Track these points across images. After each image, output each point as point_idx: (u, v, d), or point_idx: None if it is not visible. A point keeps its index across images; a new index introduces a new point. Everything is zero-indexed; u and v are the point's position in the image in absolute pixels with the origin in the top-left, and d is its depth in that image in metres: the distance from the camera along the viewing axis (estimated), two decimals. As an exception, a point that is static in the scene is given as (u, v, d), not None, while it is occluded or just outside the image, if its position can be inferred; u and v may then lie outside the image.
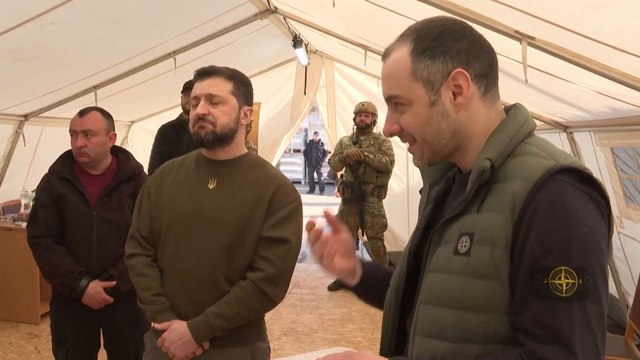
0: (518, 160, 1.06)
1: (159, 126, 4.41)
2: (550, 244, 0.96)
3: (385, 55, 1.15)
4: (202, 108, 1.93)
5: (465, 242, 1.05)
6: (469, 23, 1.16)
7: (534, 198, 0.99)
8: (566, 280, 0.95)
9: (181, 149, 3.90)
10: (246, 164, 2.04)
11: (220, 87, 1.96)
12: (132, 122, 7.13)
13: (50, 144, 5.22)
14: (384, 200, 5.87)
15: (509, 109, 1.15)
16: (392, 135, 1.17)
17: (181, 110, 4.49)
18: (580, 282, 0.95)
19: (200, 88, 1.96)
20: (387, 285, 1.28)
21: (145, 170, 3.02)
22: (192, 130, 1.98)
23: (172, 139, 4.14)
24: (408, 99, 1.11)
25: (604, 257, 0.99)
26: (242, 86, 2.02)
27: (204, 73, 1.98)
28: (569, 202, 0.98)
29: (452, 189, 1.22)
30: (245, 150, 2.08)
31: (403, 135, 1.15)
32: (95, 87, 4.99)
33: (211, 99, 1.94)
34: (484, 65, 1.10)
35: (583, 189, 1.00)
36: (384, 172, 5.71)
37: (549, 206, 0.98)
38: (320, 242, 1.33)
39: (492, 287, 1.01)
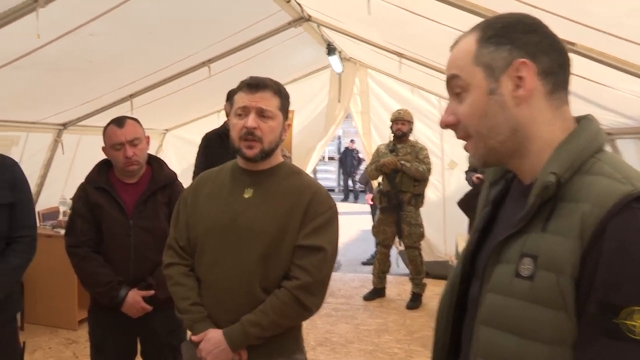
0: (589, 180, 0.98)
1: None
2: (621, 278, 0.89)
3: (453, 45, 1.13)
4: (253, 121, 1.92)
5: (528, 264, 0.98)
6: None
7: (606, 227, 0.91)
8: None
9: (226, 157, 3.88)
10: (281, 173, 2.02)
11: (270, 102, 1.95)
12: (166, 130, 7.21)
13: (87, 151, 5.31)
14: (420, 209, 5.80)
15: (579, 120, 1.09)
16: (447, 127, 1.12)
17: (224, 118, 4.48)
18: None
19: (250, 100, 1.93)
20: None
21: (188, 178, 3.01)
22: (237, 143, 1.95)
23: (216, 148, 4.12)
24: (466, 82, 1.07)
25: None
26: (285, 101, 2.01)
27: (255, 85, 1.95)
28: None
29: (509, 192, 1.17)
30: (281, 159, 2.07)
31: (458, 129, 1.10)
32: (131, 96, 5.07)
33: (261, 113, 1.93)
34: (553, 63, 1.04)
35: None
36: (421, 180, 5.62)
37: (621, 237, 0.90)
38: None
39: (557, 317, 0.94)
